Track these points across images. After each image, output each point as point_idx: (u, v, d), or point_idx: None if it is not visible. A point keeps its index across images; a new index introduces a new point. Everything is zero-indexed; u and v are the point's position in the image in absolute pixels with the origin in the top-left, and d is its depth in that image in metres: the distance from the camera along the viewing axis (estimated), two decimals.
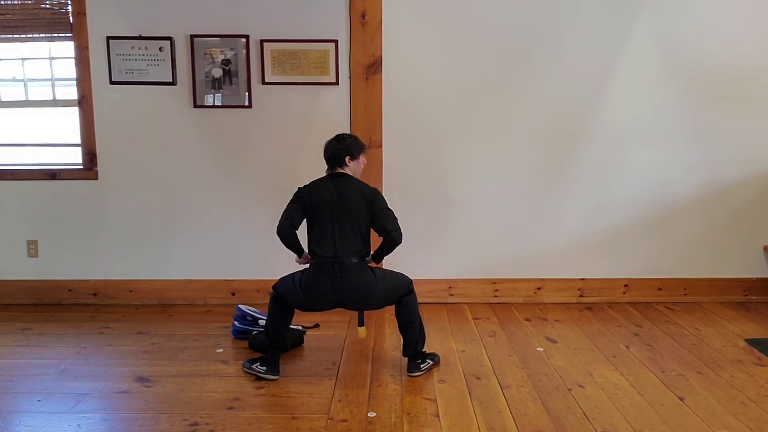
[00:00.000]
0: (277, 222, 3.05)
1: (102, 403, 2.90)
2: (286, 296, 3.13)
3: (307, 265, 3.15)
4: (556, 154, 4.26)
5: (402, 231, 3.06)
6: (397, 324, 3.24)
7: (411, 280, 3.23)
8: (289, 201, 3.13)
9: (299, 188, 3.15)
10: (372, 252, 3.15)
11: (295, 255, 3.21)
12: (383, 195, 3.16)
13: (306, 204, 3.08)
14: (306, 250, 3.18)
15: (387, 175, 4.24)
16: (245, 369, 3.21)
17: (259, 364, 3.18)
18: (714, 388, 3.04)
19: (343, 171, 3.17)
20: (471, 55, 4.16)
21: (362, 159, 3.23)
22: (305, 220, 3.12)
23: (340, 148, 3.15)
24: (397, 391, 3.02)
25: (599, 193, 4.31)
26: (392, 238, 3.02)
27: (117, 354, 3.48)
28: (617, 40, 4.16)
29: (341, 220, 3.05)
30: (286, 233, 3.04)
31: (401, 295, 3.16)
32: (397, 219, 3.08)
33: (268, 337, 3.16)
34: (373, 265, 3.17)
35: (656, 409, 2.83)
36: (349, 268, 3.02)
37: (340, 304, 3.10)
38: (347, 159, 3.15)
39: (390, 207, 3.12)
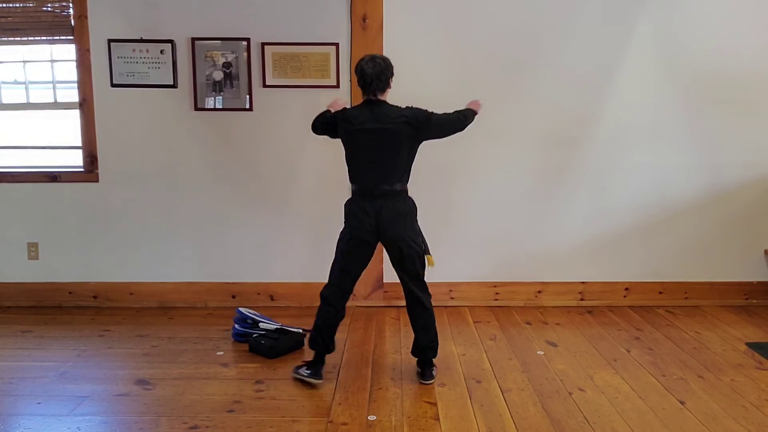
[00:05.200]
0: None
1: (102, 405, 2.90)
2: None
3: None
4: (557, 158, 4.26)
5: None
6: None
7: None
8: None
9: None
10: None
11: (329, 111, 3.23)
12: None
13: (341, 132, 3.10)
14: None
15: None
16: (295, 375, 3.17)
17: (305, 368, 3.15)
18: (715, 392, 3.03)
19: (381, 98, 3.12)
20: (472, 59, 4.16)
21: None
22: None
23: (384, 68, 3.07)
24: (397, 394, 3.01)
25: (600, 196, 4.30)
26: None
27: (117, 357, 3.48)
28: (617, 43, 4.15)
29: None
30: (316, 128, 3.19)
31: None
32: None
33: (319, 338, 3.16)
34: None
35: (657, 413, 2.82)
36: (389, 194, 3.03)
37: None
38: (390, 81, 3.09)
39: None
